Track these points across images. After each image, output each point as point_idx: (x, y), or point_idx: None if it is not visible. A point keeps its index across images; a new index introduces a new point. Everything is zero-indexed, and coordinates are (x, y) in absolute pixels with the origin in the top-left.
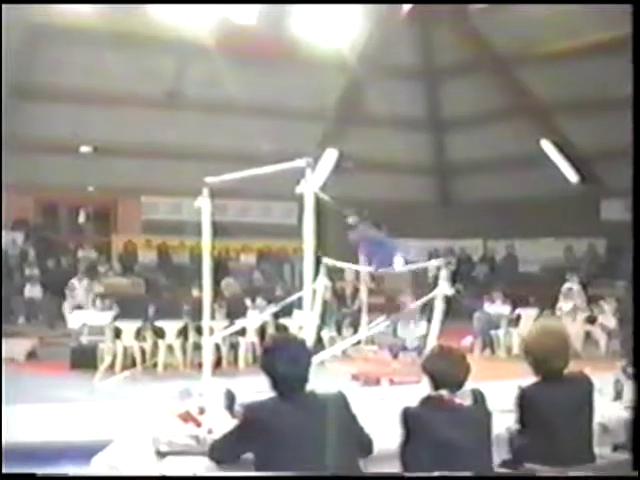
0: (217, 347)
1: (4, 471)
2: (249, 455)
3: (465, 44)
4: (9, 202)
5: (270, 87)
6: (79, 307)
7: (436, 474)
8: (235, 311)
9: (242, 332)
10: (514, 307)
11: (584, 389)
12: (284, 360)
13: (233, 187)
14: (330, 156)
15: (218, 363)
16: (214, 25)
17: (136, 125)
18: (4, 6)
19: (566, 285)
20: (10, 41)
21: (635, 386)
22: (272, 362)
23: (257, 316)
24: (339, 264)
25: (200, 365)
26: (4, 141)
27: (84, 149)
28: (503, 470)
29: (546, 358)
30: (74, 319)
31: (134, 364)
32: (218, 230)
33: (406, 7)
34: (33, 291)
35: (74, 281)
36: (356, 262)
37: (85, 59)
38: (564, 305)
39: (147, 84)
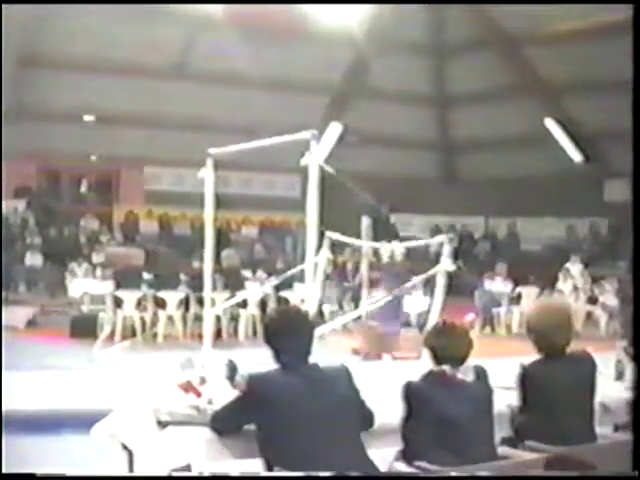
0: (217, 319)
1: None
2: (251, 426)
3: (473, 22)
4: (11, 170)
5: (276, 60)
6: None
7: (439, 474)
8: (234, 283)
9: (243, 304)
10: (515, 285)
11: (586, 367)
12: (287, 332)
13: (237, 159)
14: (334, 130)
15: (218, 335)
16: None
17: (141, 95)
18: None
19: (566, 265)
20: (16, 11)
21: (635, 368)
22: (275, 333)
23: (258, 288)
24: (342, 238)
25: (200, 336)
26: (7, 109)
27: (87, 118)
28: (504, 448)
29: (548, 335)
30: (75, 288)
31: (134, 334)
32: (221, 202)
33: None
34: (34, 259)
35: (74, 265)
36: (358, 237)
37: (91, 29)
38: (563, 285)
39: (153, 55)
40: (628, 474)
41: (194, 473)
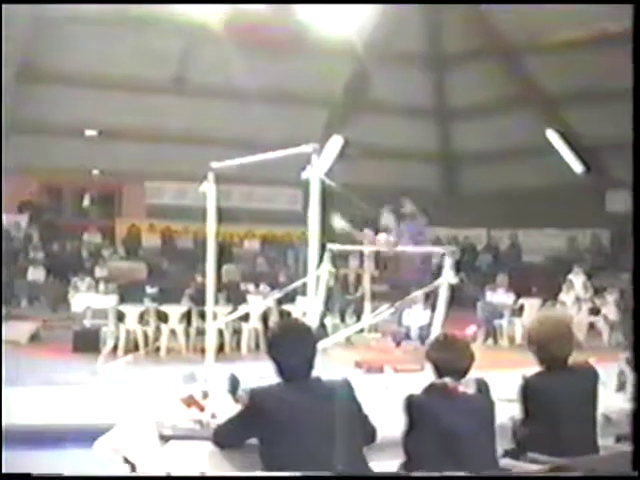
0: (220, 332)
1: (6, 453)
2: (253, 440)
3: (472, 33)
4: (14, 185)
5: (277, 73)
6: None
7: (437, 474)
8: (236, 297)
9: (245, 318)
10: (517, 297)
11: (589, 379)
12: (290, 346)
13: (238, 172)
14: (336, 143)
15: (221, 348)
16: (222, 10)
17: (142, 109)
18: None
19: (569, 276)
20: (17, 24)
21: (636, 379)
22: (278, 348)
23: (260, 302)
24: (343, 250)
25: (202, 350)
26: (10, 124)
27: (89, 132)
28: (507, 460)
29: (549, 346)
30: (77, 302)
31: (137, 348)
32: (223, 215)
33: None
34: (36, 274)
35: (76, 279)
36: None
37: (92, 43)
38: (566, 297)
39: (154, 68)
40: (628, 474)
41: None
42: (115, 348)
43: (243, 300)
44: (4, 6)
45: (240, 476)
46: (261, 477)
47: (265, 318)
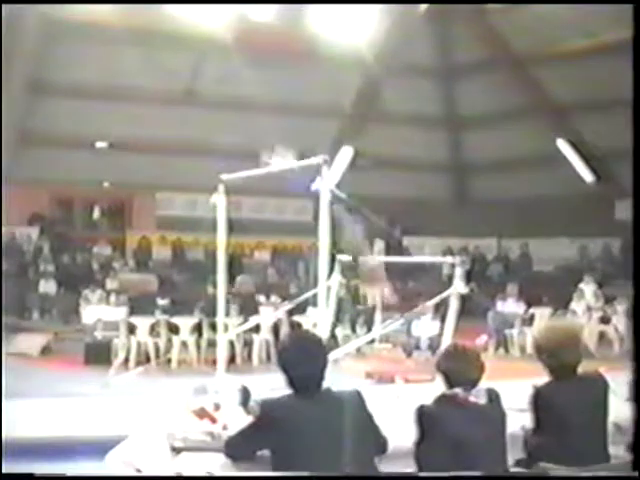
0: (231, 344)
1: (22, 467)
2: (265, 452)
3: (482, 43)
4: (24, 197)
5: (287, 84)
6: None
7: (438, 474)
8: (249, 308)
9: (256, 329)
10: (528, 306)
11: (599, 388)
12: (301, 358)
13: (248, 184)
14: (346, 154)
15: (232, 360)
16: (231, 22)
17: (152, 121)
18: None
19: (580, 285)
20: (27, 37)
21: (634, 385)
22: (289, 359)
23: (271, 313)
24: (353, 260)
25: (214, 361)
26: (20, 136)
27: (99, 145)
28: (517, 469)
29: (557, 355)
30: (89, 315)
31: (148, 360)
32: (233, 227)
33: (424, 5)
34: (47, 286)
35: (87, 291)
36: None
37: (102, 55)
38: (576, 306)
39: (164, 81)
40: (628, 474)
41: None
42: (126, 360)
43: (257, 311)
44: (14, 14)
45: (241, 476)
46: (261, 477)
47: (276, 329)
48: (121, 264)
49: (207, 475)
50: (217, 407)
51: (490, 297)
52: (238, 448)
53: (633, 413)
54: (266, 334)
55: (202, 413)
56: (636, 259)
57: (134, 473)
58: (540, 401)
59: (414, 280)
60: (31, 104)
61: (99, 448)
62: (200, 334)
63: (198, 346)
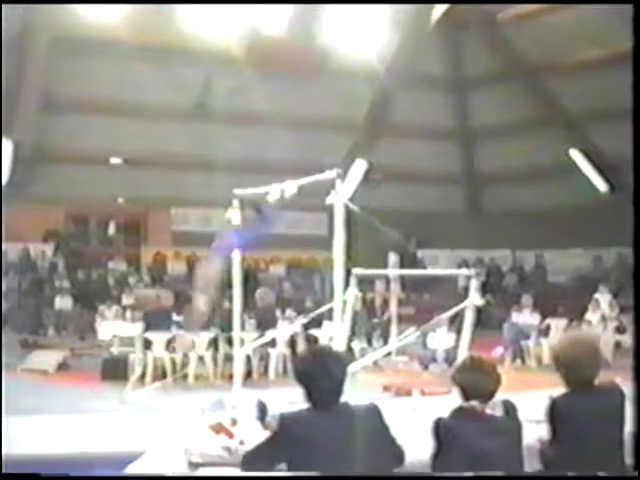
0: (248, 358)
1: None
2: (282, 466)
3: (494, 54)
4: (39, 214)
5: (299, 98)
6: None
7: (439, 474)
8: (268, 321)
9: (272, 343)
10: (544, 317)
11: (615, 399)
12: (319, 372)
13: (263, 198)
14: (359, 167)
15: (248, 374)
16: (243, 36)
17: (166, 137)
18: (35, 18)
19: (595, 295)
20: (41, 54)
21: (635, 390)
22: (307, 374)
23: (287, 327)
24: (369, 273)
25: (231, 376)
26: (35, 153)
27: (114, 161)
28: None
29: (576, 367)
30: (105, 330)
31: (165, 375)
32: None
33: (435, 17)
34: (63, 303)
35: (103, 307)
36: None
37: (115, 71)
38: (592, 316)
39: (177, 96)
40: (628, 474)
41: None
42: (143, 375)
43: (275, 324)
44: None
45: (240, 476)
46: (261, 477)
47: (292, 343)
48: (136, 280)
49: (207, 475)
50: (234, 422)
51: (505, 308)
52: (255, 463)
53: (633, 413)
54: (282, 348)
55: (219, 428)
56: (636, 262)
57: None
58: (556, 412)
59: (429, 293)
60: (46, 121)
61: (117, 464)
62: (216, 349)
63: (215, 361)
